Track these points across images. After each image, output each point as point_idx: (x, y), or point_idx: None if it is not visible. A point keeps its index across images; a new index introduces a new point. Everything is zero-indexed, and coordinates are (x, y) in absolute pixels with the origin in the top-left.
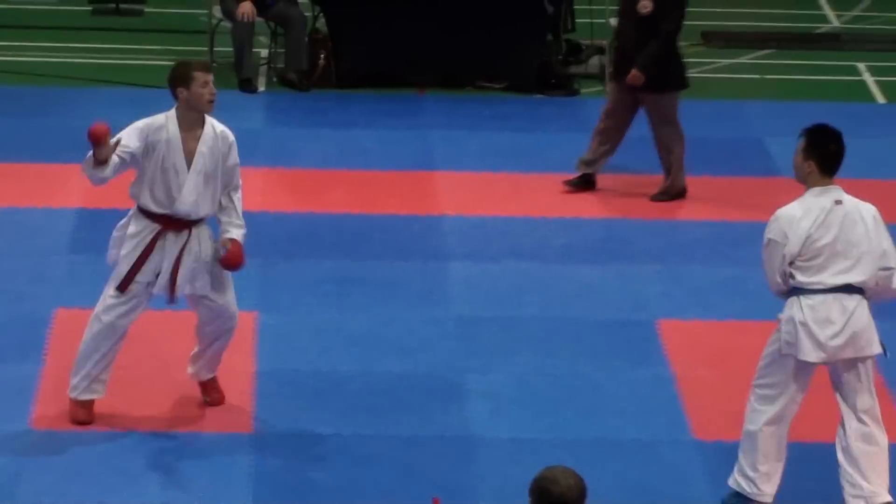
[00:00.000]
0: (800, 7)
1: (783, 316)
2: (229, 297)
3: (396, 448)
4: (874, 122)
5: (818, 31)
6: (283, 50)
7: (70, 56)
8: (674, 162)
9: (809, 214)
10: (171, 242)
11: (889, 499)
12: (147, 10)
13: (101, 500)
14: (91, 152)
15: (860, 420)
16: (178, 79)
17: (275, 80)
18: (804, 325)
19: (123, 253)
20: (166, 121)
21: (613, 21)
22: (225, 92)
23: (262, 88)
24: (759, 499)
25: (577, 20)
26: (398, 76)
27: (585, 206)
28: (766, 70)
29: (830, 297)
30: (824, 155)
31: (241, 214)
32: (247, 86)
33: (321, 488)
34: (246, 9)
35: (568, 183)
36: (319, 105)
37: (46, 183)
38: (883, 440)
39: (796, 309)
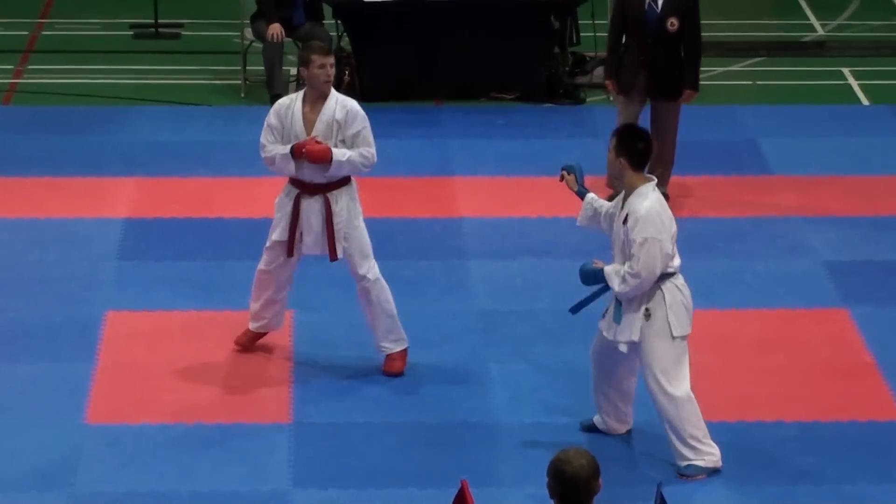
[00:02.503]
0: (787, 17)
1: (654, 305)
2: (358, 260)
3: (425, 434)
4: (859, 123)
5: (805, 39)
6: None
7: (114, 77)
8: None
9: (665, 209)
10: (307, 206)
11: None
12: (184, 33)
13: (153, 489)
14: (290, 154)
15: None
16: (301, 61)
17: None
18: (684, 303)
19: (276, 217)
20: (296, 97)
21: None
22: (257, 107)
23: None
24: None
25: (581, 34)
26: (417, 89)
27: None
28: (758, 76)
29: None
30: (632, 152)
31: (360, 154)
32: (277, 101)
33: (355, 473)
34: (275, 30)
35: None
36: None
37: (95, 195)
38: None
39: (673, 291)
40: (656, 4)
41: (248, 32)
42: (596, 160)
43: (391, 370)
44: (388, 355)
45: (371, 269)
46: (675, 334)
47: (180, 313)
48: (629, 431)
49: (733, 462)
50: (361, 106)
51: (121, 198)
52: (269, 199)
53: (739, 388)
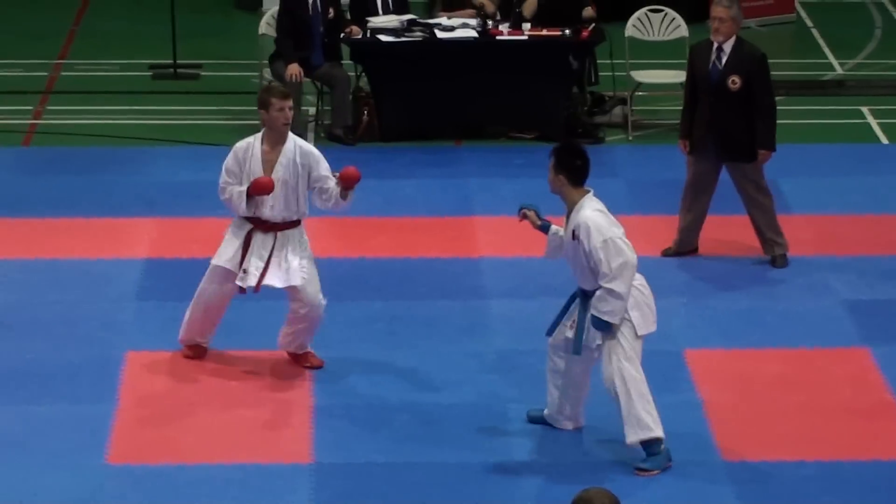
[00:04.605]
0: (806, 56)
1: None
2: (310, 290)
3: (444, 475)
4: (879, 162)
5: (824, 78)
6: (329, 108)
7: (132, 118)
8: (770, 220)
9: (607, 213)
10: (259, 242)
11: None
12: (202, 73)
13: None
14: (245, 194)
15: None
16: (260, 103)
17: (322, 135)
18: (647, 303)
19: (221, 247)
20: (255, 139)
21: (636, 75)
22: None
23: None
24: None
25: (600, 74)
26: (436, 129)
27: None
28: (777, 115)
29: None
30: (571, 169)
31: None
32: None
33: None
34: (294, 70)
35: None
36: (364, 158)
37: (114, 235)
38: None
39: (634, 293)
40: (720, 62)
41: (267, 73)
42: (615, 200)
43: (315, 366)
44: (300, 356)
45: (321, 298)
46: (639, 333)
47: None
48: (578, 429)
49: (754, 501)
50: (381, 146)
51: (140, 238)
52: None
53: (760, 428)
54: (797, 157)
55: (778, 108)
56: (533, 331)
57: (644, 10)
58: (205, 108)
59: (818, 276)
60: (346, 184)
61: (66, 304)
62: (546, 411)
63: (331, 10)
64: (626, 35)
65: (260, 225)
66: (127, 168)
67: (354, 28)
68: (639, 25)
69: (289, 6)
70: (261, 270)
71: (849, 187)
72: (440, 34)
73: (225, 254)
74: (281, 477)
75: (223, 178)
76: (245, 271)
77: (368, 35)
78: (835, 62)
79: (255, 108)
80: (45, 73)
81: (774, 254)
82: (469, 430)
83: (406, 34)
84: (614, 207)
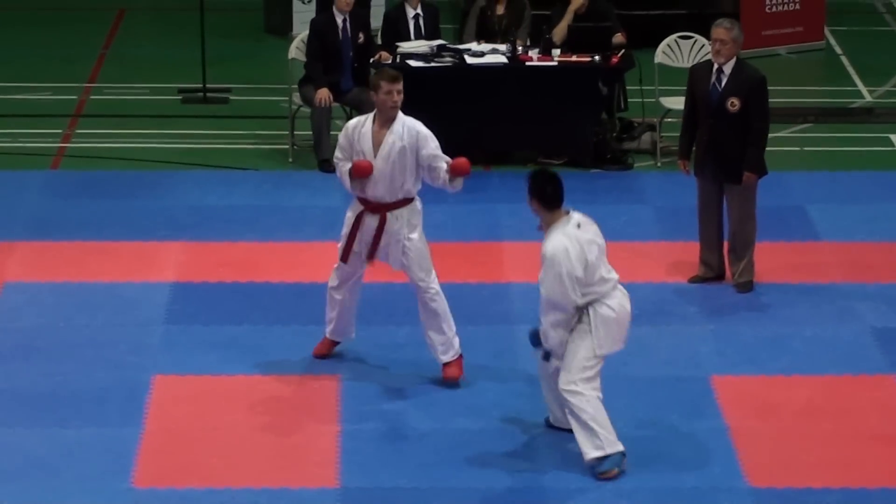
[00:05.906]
0: (835, 84)
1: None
2: (416, 271)
3: (471, 500)
4: None
5: (852, 105)
6: None
7: (161, 142)
8: (749, 247)
9: (573, 240)
10: (370, 222)
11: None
12: (232, 97)
13: None
14: (349, 174)
15: None
16: (371, 85)
17: None
18: (618, 322)
19: (342, 232)
20: (367, 118)
21: (665, 101)
22: (304, 172)
23: None
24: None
25: (629, 100)
26: (464, 154)
27: (641, 272)
28: (805, 143)
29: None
30: (542, 195)
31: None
32: (325, 166)
33: None
34: (323, 95)
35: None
36: None
37: (143, 259)
38: None
39: (605, 311)
40: (720, 84)
41: (296, 97)
42: (643, 226)
43: (446, 376)
44: (444, 366)
45: (430, 281)
46: (598, 353)
47: (227, 378)
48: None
49: None
50: None
51: (168, 262)
52: (317, 264)
53: (787, 454)
54: (826, 184)
55: (807, 135)
56: None
57: (674, 36)
58: (234, 133)
59: (846, 304)
60: (456, 173)
61: (94, 327)
62: (548, 416)
63: (361, 35)
64: (656, 61)
65: (369, 206)
66: (155, 192)
67: (384, 53)
68: (668, 52)
69: (318, 31)
70: (369, 247)
71: (877, 214)
72: (470, 59)
73: (342, 240)
74: (307, 502)
75: (336, 153)
76: (356, 253)
77: (398, 60)
78: (864, 89)
79: (284, 132)
80: (75, 97)
81: (740, 280)
82: (496, 455)
83: (436, 59)
84: (642, 234)
